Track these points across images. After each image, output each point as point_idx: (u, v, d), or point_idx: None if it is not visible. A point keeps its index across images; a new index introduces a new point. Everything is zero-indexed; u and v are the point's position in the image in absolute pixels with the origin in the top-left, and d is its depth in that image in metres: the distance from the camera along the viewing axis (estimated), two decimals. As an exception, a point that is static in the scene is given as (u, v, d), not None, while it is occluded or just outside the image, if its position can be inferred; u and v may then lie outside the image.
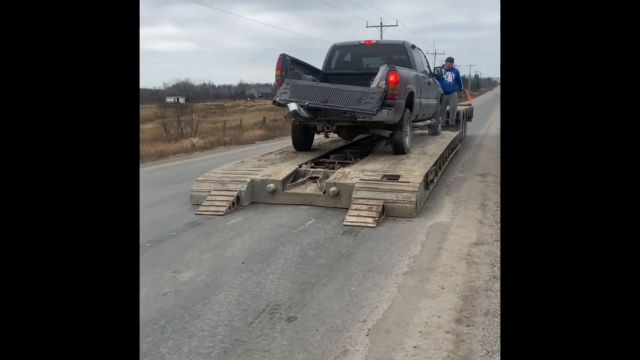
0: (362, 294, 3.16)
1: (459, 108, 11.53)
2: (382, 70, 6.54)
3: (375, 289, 3.23)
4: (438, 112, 9.65)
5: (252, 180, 5.71)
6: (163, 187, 6.98)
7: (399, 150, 6.99)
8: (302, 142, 7.57)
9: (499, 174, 7.53)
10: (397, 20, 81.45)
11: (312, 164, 6.61)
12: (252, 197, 5.71)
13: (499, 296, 3.08)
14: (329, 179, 5.62)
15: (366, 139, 8.40)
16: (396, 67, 6.56)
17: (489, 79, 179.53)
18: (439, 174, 7.08)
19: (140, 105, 1.81)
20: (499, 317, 2.81)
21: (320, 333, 2.66)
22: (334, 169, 6.23)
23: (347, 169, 5.96)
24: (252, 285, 3.32)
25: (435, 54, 62.71)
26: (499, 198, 5.90)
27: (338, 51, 8.24)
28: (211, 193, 5.53)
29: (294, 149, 7.63)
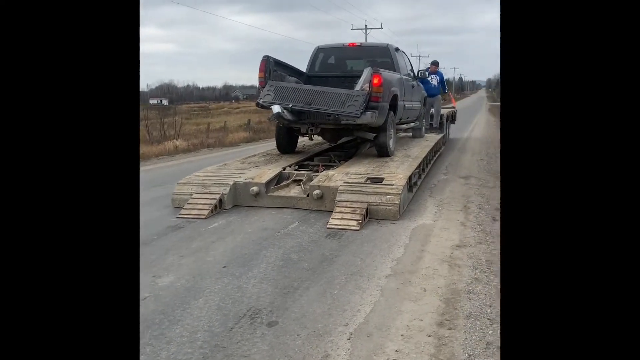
0: (344, 297, 3.14)
1: (442, 111, 11.61)
2: (366, 72, 6.55)
3: (357, 292, 3.21)
4: (422, 115, 9.71)
5: (235, 183, 5.66)
6: (144, 189, 6.87)
7: (383, 152, 7.00)
8: (286, 145, 7.54)
9: (481, 177, 7.60)
10: (381, 23, 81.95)
11: (296, 167, 6.58)
12: (235, 200, 5.65)
13: (481, 299, 3.09)
14: (312, 182, 5.59)
15: (350, 141, 8.41)
16: (380, 69, 6.58)
17: (473, 82, 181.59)
18: (423, 176, 7.11)
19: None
20: (481, 320, 2.81)
21: (301, 337, 2.63)
22: (318, 171, 6.21)
23: (331, 172, 5.94)
24: (233, 289, 3.28)
25: (420, 57, 63.16)
26: (482, 200, 5.95)
27: (322, 53, 8.24)
28: (193, 196, 5.46)
29: (278, 152, 7.60)
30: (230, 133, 17.49)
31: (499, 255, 3.23)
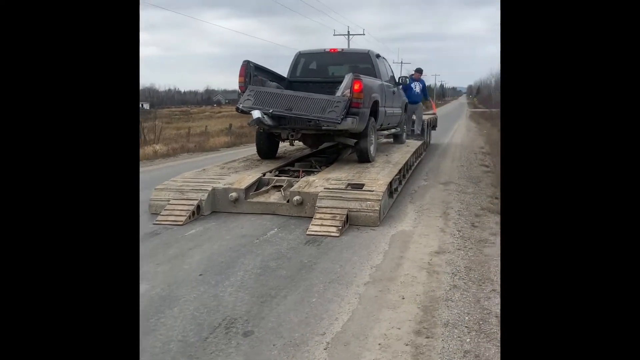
0: (322, 305, 3.10)
1: (423, 117, 11.69)
2: (347, 78, 6.55)
3: (335, 300, 3.17)
4: (403, 121, 9.75)
5: (213, 189, 5.58)
6: (122, 195, 6.74)
7: (364, 158, 7.00)
8: (267, 150, 7.49)
9: (461, 183, 7.66)
10: (364, 29, 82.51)
11: (277, 172, 6.53)
12: (214, 207, 5.57)
13: (459, 306, 3.09)
14: (293, 188, 5.55)
15: (332, 147, 8.39)
16: (361, 75, 6.58)
17: (454, 89, 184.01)
18: (403, 182, 7.13)
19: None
20: (459, 328, 2.80)
21: (277, 347, 2.58)
22: (299, 177, 6.17)
23: (311, 178, 5.91)
24: (209, 298, 3.21)
25: (402, 63, 63.78)
26: (461, 206, 5.98)
27: (303, 59, 8.22)
28: (170, 202, 5.37)
29: (259, 157, 7.54)
30: (211, 137, 17.33)
31: (486, 259, 3.19)
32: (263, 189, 5.84)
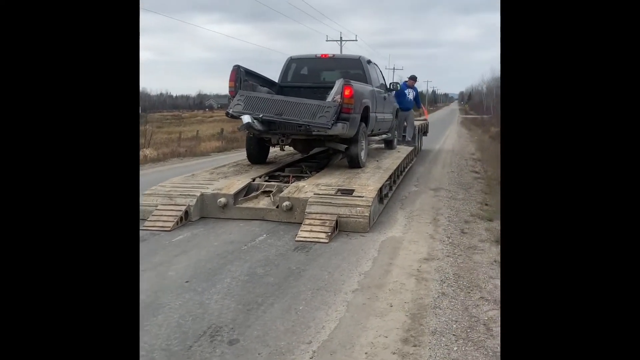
0: (309, 313, 3.06)
1: (415, 123, 11.71)
2: (338, 84, 6.54)
3: (323, 308, 3.14)
4: (394, 127, 9.76)
5: (202, 194, 5.53)
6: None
7: (355, 164, 6.98)
8: (257, 155, 7.44)
9: (451, 189, 7.66)
10: (356, 35, 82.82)
11: (266, 178, 6.48)
12: (202, 212, 5.52)
13: (447, 314, 3.06)
14: (282, 193, 5.51)
15: (323, 152, 8.37)
16: (351, 81, 6.57)
17: (446, 95, 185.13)
18: (394, 188, 7.12)
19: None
20: (446, 336, 2.77)
21: (262, 356, 2.53)
22: (289, 182, 6.13)
23: (301, 183, 5.87)
24: (194, 306, 3.16)
25: (394, 69, 64.08)
26: (451, 213, 5.97)
27: (294, 64, 8.21)
28: (158, 207, 5.30)
29: (249, 162, 7.49)
30: (202, 142, 17.25)
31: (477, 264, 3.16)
32: (252, 194, 5.80)
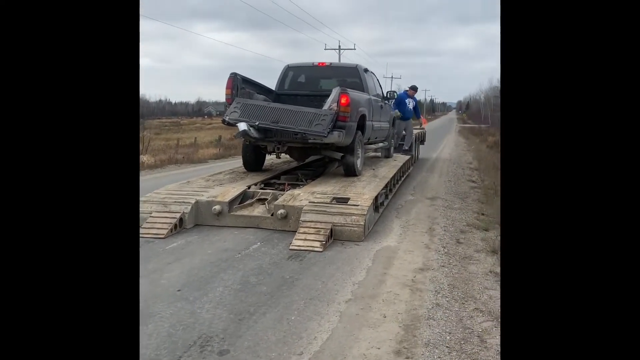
0: (301, 323, 3.02)
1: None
2: (334, 92, 6.54)
3: (315, 318, 3.10)
4: (390, 135, 9.77)
5: (197, 202, 5.50)
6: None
7: (350, 172, 6.97)
8: (253, 163, 7.43)
9: (447, 198, 7.64)
10: (354, 44, 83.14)
11: (262, 185, 6.46)
12: (197, 220, 5.48)
13: (441, 325, 3.03)
14: (277, 201, 5.48)
15: (319, 160, 8.35)
16: (348, 89, 6.57)
17: (444, 104, 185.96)
18: (390, 196, 7.09)
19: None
20: (440, 348, 2.74)
21: (252, 368, 2.50)
22: (284, 190, 6.11)
23: (296, 191, 5.85)
24: (185, 315, 3.12)
25: (392, 78, 64.31)
26: (447, 222, 5.95)
27: (291, 72, 8.22)
28: (152, 214, 5.27)
29: (245, 170, 7.47)
30: (200, 149, 17.24)
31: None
32: (247, 202, 5.77)
